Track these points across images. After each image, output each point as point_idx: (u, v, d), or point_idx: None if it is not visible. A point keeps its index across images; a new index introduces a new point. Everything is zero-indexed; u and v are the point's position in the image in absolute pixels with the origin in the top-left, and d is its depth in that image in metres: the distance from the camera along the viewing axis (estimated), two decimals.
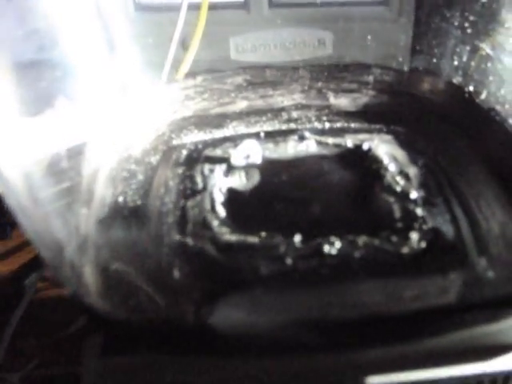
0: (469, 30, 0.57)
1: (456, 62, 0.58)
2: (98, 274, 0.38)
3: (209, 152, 0.52)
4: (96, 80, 0.54)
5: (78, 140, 0.48)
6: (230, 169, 0.49)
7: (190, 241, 0.41)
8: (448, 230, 0.42)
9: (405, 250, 0.40)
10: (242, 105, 0.61)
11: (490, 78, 0.54)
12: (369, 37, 0.63)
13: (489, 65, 0.54)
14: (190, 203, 0.45)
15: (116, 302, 0.37)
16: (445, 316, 0.37)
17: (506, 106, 0.50)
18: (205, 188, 0.46)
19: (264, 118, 0.58)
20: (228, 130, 0.57)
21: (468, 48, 0.57)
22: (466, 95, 0.56)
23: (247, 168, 0.50)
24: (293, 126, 0.57)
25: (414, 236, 0.41)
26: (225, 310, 0.37)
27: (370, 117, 0.58)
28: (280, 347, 0.35)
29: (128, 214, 0.44)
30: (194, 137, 0.56)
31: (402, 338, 0.37)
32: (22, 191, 0.38)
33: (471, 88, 0.55)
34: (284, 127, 0.57)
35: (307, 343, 0.35)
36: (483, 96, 0.53)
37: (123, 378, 0.36)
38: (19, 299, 0.69)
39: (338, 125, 0.57)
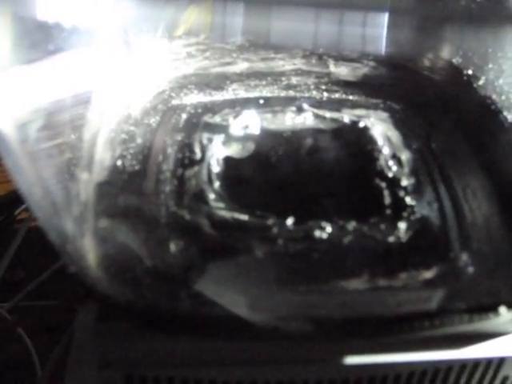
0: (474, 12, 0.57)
1: (458, 41, 0.59)
2: (97, 243, 0.40)
3: (208, 119, 0.52)
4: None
5: (77, 91, 0.48)
6: (229, 138, 0.50)
7: (186, 214, 0.42)
8: (435, 220, 0.44)
9: (392, 239, 0.42)
10: (242, 66, 0.61)
11: (490, 66, 0.54)
12: None
13: (490, 51, 0.55)
14: (187, 173, 0.46)
15: (114, 273, 0.38)
16: (424, 308, 0.39)
17: (503, 97, 0.51)
18: (203, 158, 0.47)
19: (264, 82, 0.59)
20: (228, 93, 0.57)
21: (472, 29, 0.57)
22: (465, 77, 0.56)
23: (245, 139, 0.50)
24: (292, 93, 0.58)
25: (402, 226, 0.43)
26: (212, 285, 0.39)
27: (368, 90, 0.59)
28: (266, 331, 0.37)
29: (126, 179, 0.45)
30: (193, 98, 0.56)
31: (383, 326, 0.39)
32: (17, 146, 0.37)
33: (470, 71, 0.56)
34: (283, 94, 0.58)
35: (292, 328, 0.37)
36: (481, 82, 0.54)
37: (115, 344, 0.38)
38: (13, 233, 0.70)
39: (337, 96, 0.58)
